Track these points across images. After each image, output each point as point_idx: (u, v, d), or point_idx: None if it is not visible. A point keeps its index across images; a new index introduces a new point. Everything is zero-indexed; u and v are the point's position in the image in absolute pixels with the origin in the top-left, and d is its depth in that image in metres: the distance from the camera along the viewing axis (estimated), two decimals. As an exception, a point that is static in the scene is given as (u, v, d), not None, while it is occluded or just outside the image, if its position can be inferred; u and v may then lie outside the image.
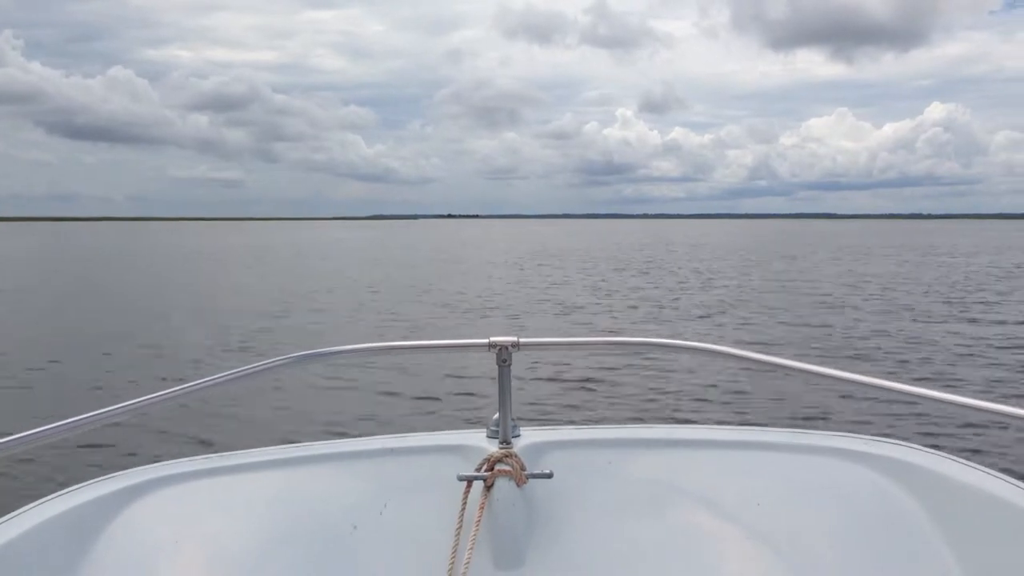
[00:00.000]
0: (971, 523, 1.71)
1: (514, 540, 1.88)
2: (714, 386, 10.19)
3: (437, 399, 10.24)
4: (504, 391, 2.06)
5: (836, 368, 2.02)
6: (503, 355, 2.05)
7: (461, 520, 1.85)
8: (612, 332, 16.03)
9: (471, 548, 1.78)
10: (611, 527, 1.92)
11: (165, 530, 1.87)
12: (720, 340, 13.91)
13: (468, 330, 16.79)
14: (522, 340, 2.07)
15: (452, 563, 1.77)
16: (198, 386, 2.04)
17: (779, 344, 14.28)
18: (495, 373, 2.07)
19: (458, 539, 1.82)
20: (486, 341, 2.07)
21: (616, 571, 1.85)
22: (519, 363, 2.07)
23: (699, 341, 2.24)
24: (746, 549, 1.85)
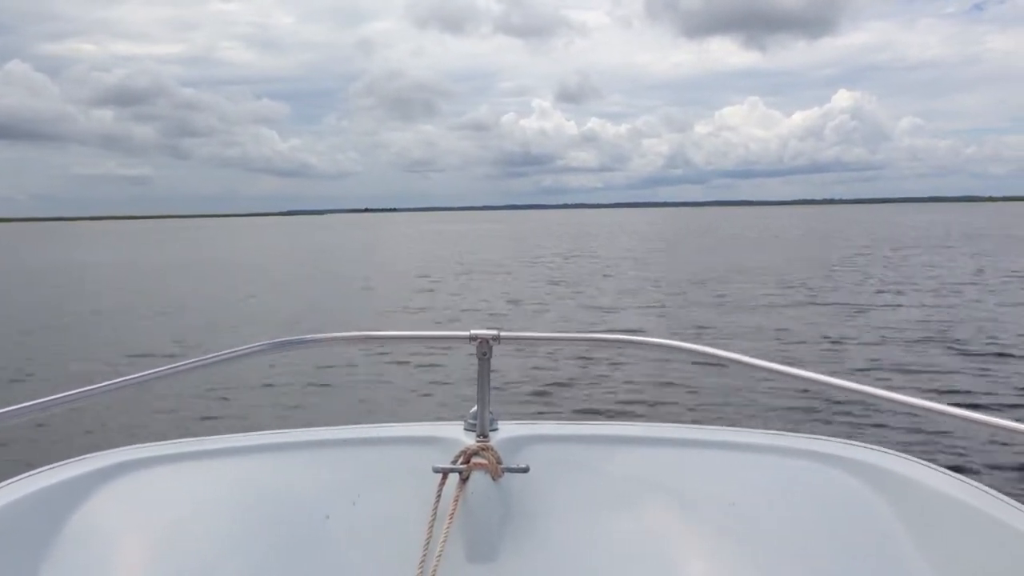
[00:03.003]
0: (939, 526, 1.73)
1: (488, 533, 1.89)
2: (692, 384, 10.20)
3: (415, 390, 10.18)
4: (483, 384, 2.06)
5: (813, 371, 2.03)
6: (483, 348, 2.05)
7: (435, 512, 1.84)
8: (594, 329, 16.03)
9: (444, 540, 1.77)
10: (585, 523, 1.93)
11: (133, 515, 1.85)
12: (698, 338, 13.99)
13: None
14: (503, 334, 2.07)
15: (425, 555, 1.77)
16: (173, 370, 2.01)
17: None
18: (475, 365, 2.07)
19: (431, 531, 1.81)
20: (467, 333, 2.07)
21: (589, 566, 1.85)
22: (499, 356, 2.07)
23: (680, 340, 2.26)
24: (718, 547, 1.86)
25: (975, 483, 1.80)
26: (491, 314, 17.95)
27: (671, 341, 2.25)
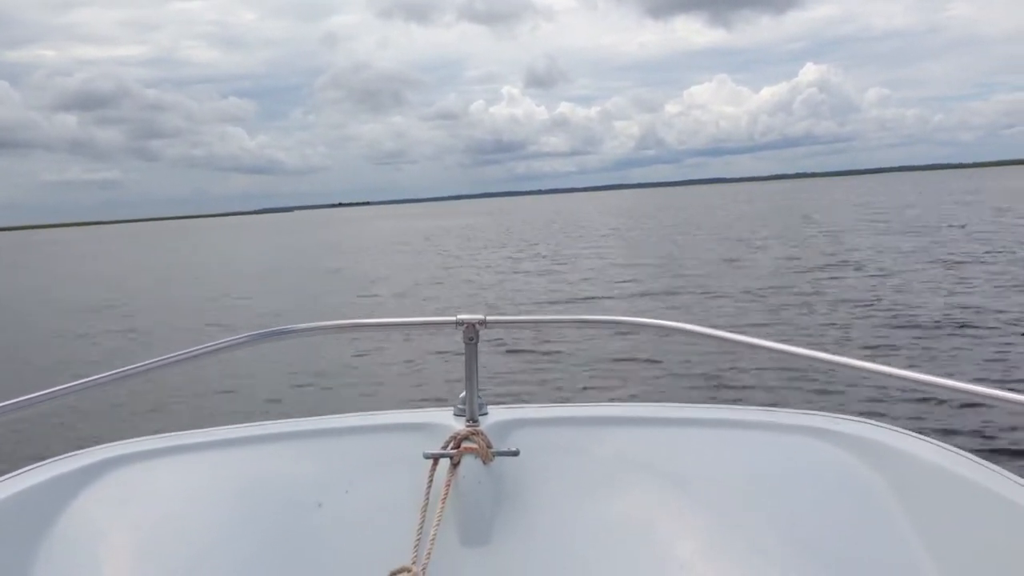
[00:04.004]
0: (937, 502, 1.71)
1: (480, 517, 1.89)
2: (681, 364, 10.15)
3: (403, 377, 10.17)
4: (471, 369, 2.06)
5: (802, 347, 2.01)
6: (470, 333, 2.05)
7: (427, 498, 1.85)
8: (579, 310, 15.90)
9: (437, 525, 1.78)
10: (577, 504, 1.93)
11: (122, 511, 1.83)
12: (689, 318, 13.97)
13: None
14: (489, 318, 2.08)
15: (418, 540, 1.77)
16: (159, 363, 1.99)
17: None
18: (462, 351, 2.07)
19: (424, 516, 1.82)
20: (453, 319, 2.07)
21: (581, 548, 1.86)
22: (486, 341, 2.08)
23: (666, 320, 2.24)
24: (710, 526, 1.85)
25: (966, 453, 1.78)
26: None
27: (654, 320, 2.24)
